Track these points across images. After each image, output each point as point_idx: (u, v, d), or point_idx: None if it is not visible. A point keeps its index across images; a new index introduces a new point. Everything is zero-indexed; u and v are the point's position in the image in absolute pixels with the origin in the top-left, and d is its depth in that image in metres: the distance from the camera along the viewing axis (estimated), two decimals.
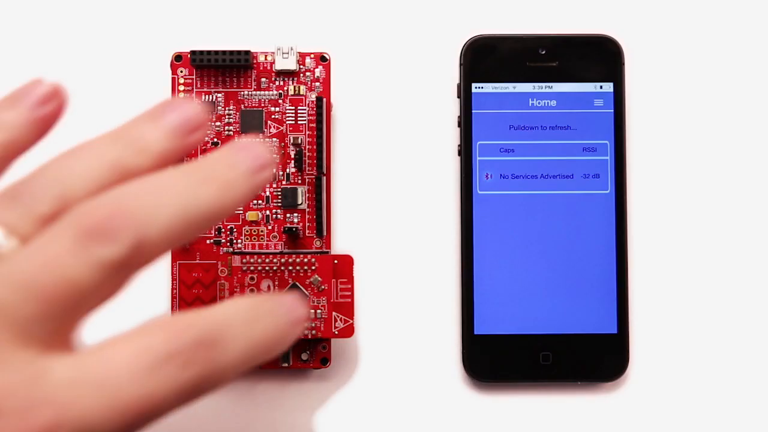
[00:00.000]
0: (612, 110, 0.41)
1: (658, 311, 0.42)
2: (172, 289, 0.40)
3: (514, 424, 0.41)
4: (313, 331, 0.38)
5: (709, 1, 0.43)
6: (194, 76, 0.41)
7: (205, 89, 0.41)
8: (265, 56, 0.41)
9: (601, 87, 0.41)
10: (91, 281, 0.25)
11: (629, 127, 0.42)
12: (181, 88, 0.41)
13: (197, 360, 0.25)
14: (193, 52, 0.40)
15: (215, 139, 0.41)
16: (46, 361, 0.24)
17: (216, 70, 0.41)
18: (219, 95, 0.41)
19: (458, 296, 0.41)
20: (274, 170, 0.26)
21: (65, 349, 0.25)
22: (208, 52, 0.40)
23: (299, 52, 0.41)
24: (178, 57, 0.41)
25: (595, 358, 0.41)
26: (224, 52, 0.40)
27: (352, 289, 0.39)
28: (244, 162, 0.27)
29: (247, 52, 0.40)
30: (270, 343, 0.27)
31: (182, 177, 0.26)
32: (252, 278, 0.38)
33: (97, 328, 0.42)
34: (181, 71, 0.41)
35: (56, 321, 0.25)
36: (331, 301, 0.39)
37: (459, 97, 0.42)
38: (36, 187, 0.26)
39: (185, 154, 0.28)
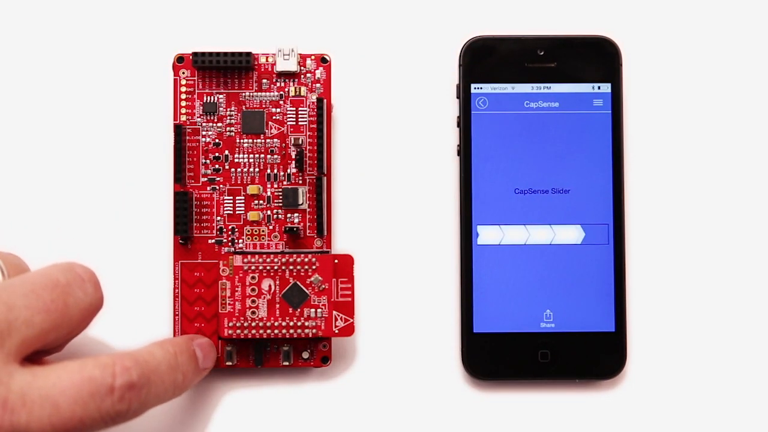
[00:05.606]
0: (610, 111, 0.41)
1: (656, 309, 0.42)
2: (174, 289, 0.40)
3: (513, 421, 0.41)
4: (314, 330, 0.39)
5: (708, 2, 0.43)
6: (196, 78, 0.41)
7: (206, 90, 0.41)
8: (266, 58, 0.41)
9: (599, 87, 0.42)
10: None
11: (627, 128, 0.42)
12: (183, 89, 0.41)
13: (130, 397, 0.32)
14: (194, 54, 0.40)
15: (217, 140, 0.41)
16: (14, 369, 0.30)
17: (217, 71, 0.41)
18: (220, 96, 0.41)
19: (458, 295, 0.42)
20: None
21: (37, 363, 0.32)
22: (210, 54, 0.40)
23: (300, 54, 0.41)
24: (180, 59, 0.41)
25: (593, 356, 0.41)
26: (226, 53, 0.40)
27: (352, 289, 0.39)
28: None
29: (249, 54, 0.40)
30: (184, 386, 0.36)
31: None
32: (253, 278, 0.39)
33: (104, 326, 0.42)
34: (183, 72, 0.41)
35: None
36: (332, 300, 0.39)
37: (458, 97, 0.42)
38: None
39: None
